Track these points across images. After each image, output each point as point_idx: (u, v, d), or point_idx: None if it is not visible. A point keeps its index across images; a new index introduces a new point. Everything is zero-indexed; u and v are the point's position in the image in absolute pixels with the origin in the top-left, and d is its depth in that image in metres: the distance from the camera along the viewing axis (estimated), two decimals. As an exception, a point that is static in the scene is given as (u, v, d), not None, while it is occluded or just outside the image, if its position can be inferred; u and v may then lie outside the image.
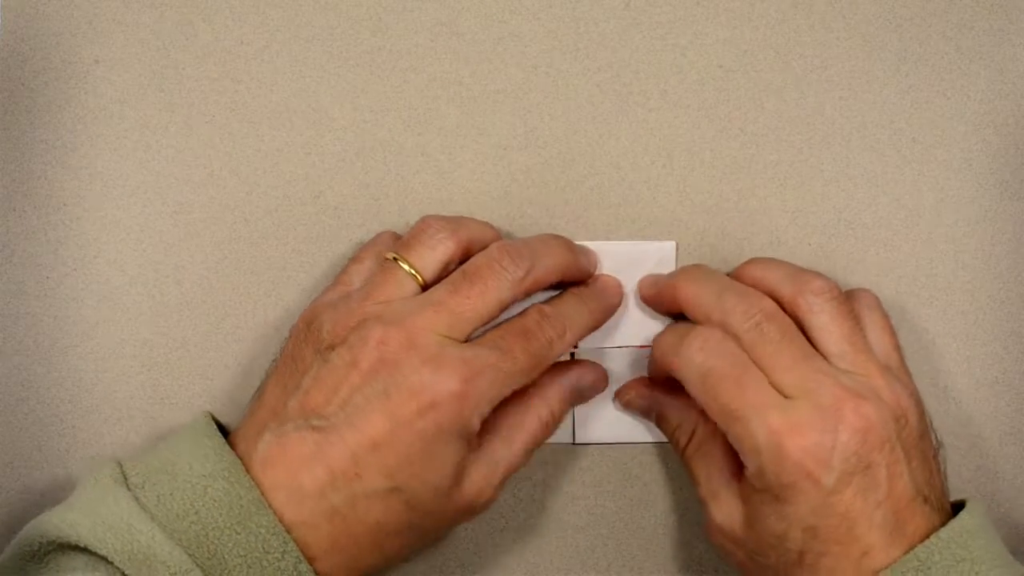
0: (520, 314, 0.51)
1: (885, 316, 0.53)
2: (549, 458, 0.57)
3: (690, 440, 0.53)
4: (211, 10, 0.55)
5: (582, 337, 0.53)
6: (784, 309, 0.51)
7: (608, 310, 0.55)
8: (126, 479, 0.49)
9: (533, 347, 0.50)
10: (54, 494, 0.56)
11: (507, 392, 0.50)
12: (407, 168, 0.56)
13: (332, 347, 0.49)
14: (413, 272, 0.51)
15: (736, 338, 0.50)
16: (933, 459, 0.50)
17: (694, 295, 0.52)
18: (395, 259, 0.51)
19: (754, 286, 0.52)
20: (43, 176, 0.55)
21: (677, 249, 0.57)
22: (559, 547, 0.58)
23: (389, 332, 0.48)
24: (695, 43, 0.56)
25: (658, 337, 0.54)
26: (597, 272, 0.56)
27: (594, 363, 0.56)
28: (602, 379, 0.56)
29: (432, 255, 0.51)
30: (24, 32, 0.55)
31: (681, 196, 0.57)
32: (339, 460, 0.48)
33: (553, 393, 0.53)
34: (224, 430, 0.52)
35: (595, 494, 0.58)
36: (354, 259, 0.54)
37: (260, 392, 0.52)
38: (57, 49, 0.55)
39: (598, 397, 0.56)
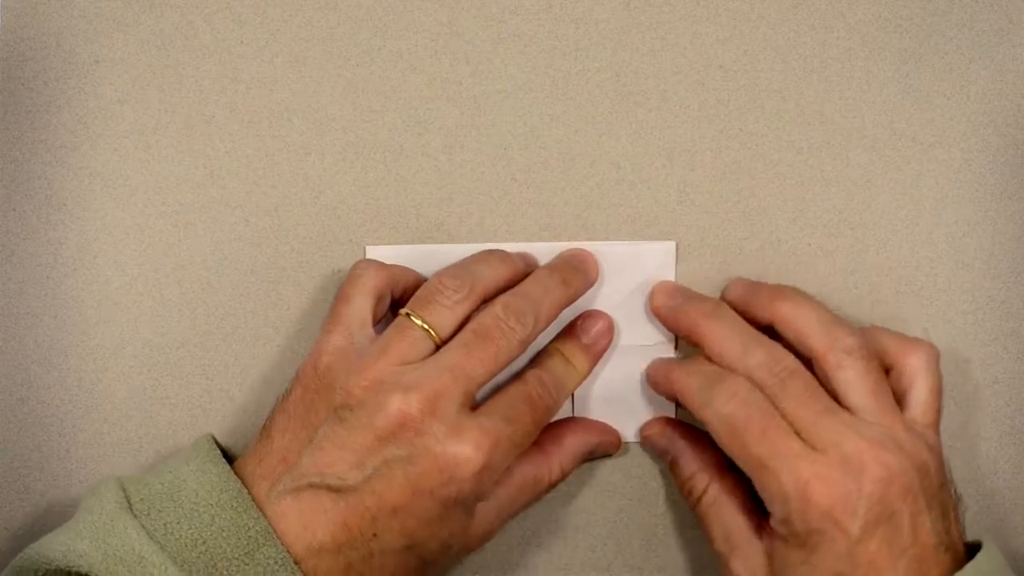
0: (521, 380, 0.53)
1: (938, 377, 0.53)
2: (549, 458, 0.57)
3: (704, 493, 0.54)
4: (211, 10, 0.55)
5: (578, 384, 0.55)
6: (811, 356, 0.52)
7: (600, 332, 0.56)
8: (130, 504, 0.49)
9: (539, 415, 0.52)
10: (54, 494, 0.56)
11: (515, 456, 0.51)
12: (407, 168, 0.56)
13: (348, 407, 0.49)
14: (428, 330, 0.51)
15: (760, 390, 0.51)
16: (953, 510, 0.51)
17: (719, 342, 0.53)
18: (409, 315, 0.51)
19: (783, 324, 0.53)
20: (43, 176, 0.55)
21: (677, 249, 0.57)
22: (559, 547, 0.58)
23: (409, 399, 0.49)
24: (695, 43, 0.56)
25: (683, 378, 0.53)
26: (598, 278, 0.56)
27: (611, 428, 0.57)
28: (616, 444, 0.57)
29: (449, 314, 0.51)
30: (24, 32, 0.55)
31: (681, 196, 0.57)
32: (357, 521, 0.48)
33: (568, 459, 0.55)
34: (224, 453, 0.52)
35: (595, 494, 0.58)
36: (342, 298, 0.53)
37: (267, 432, 0.51)
38: (57, 49, 0.55)
39: (598, 397, 0.57)
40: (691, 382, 0.53)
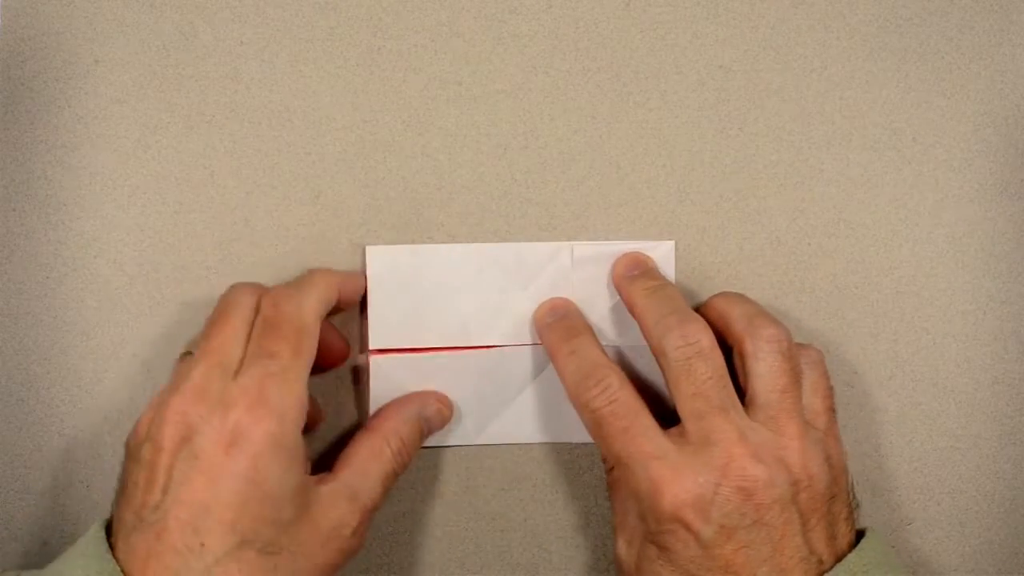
0: (260, 309, 0.51)
1: (825, 376, 0.52)
2: (548, 458, 0.57)
3: (609, 472, 0.53)
4: (211, 10, 0.56)
5: (325, 301, 0.53)
6: (732, 344, 0.52)
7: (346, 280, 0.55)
8: None
9: (288, 333, 0.50)
10: (54, 494, 0.56)
11: (303, 380, 0.50)
12: (407, 168, 0.56)
13: (139, 445, 0.49)
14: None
15: (665, 359, 0.51)
16: (844, 520, 0.50)
17: (643, 310, 0.53)
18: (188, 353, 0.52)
19: (714, 319, 0.53)
20: (43, 176, 0.55)
21: (677, 249, 0.57)
22: (559, 547, 0.58)
23: (175, 402, 0.49)
24: (695, 43, 0.56)
25: (567, 367, 0.53)
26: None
27: (439, 394, 0.56)
28: (447, 407, 0.56)
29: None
30: (24, 32, 0.55)
31: (681, 196, 0.57)
32: (180, 539, 0.47)
33: (399, 424, 0.54)
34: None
35: (595, 494, 0.58)
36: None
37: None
38: (57, 49, 0.55)
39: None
40: (572, 373, 0.53)
